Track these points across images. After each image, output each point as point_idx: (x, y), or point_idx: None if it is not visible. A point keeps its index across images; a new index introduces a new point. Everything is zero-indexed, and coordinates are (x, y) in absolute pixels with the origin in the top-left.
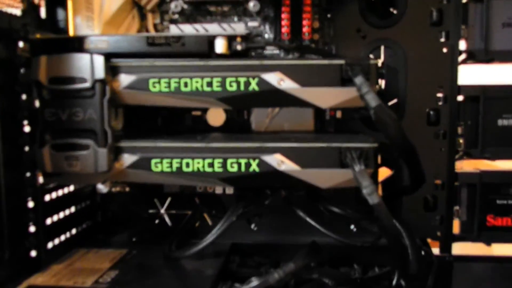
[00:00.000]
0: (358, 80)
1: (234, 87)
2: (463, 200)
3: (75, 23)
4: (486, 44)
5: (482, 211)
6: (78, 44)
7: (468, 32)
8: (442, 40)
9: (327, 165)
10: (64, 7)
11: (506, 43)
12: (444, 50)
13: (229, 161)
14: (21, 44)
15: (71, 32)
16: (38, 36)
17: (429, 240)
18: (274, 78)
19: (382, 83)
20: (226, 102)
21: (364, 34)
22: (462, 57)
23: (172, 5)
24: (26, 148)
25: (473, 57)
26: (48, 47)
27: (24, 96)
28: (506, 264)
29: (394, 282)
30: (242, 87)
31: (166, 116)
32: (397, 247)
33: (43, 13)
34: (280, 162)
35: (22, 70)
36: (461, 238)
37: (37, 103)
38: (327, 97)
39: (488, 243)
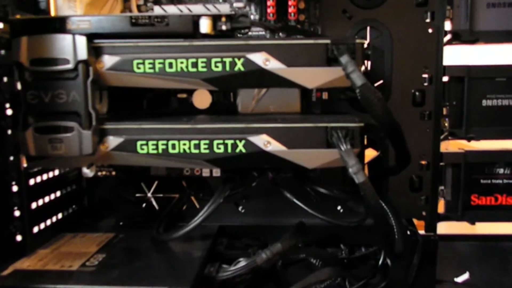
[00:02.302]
0: (344, 59)
1: (219, 68)
2: (448, 180)
3: (57, 4)
4: (471, 25)
5: (467, 190)
6: (59, 25)
7: (453, 12)
8: (428, 20)
9: (313, 145)
10: None
11: (490, 24)
12: (430, 30)
13: (215, 142)
14: (0, 25)
15: (52, 14)
16: (18, 16)
17: (414, 220)
18: (260, 58)
19: (368, 64)
20: (211, 82)
21: (350, 15)
22: (447, 37)
23: None
24: (9, 132)
25: (458, 37)
26: (28, 28)
27: (5, 79)
28: (490, 243)
29: (380, 261)
30: (227, 68)
31: (151, 99)
32: (383, 225)
33: None
34: (266, 142)
35: (2, 52)
36: (446, 217)
37: (18, 86)
38: (313, 77)
39: (472, 222)
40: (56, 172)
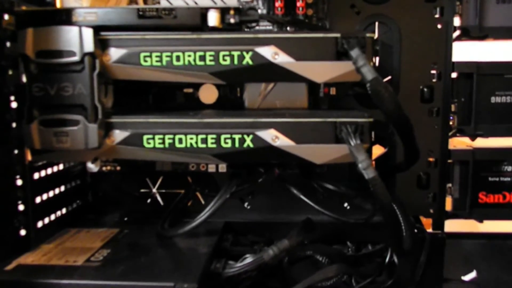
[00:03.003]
0: (354, 52)
1: (227, 61)
2: (456, 178)
3: None
4: (481, 21)
5: (474, 188)
6: (65, 17)
7: (463, 8)
8: (437, 16)
9: (322, 140)
10: None
11: (500, 20)
12: (439, 26)
13: (222, 136)
14: (6, 16)
15: (58, 6)
16: (24, 8)
17: (422, 217)
18: (269, 52)
19: (376, 59)
20: (219, 76)
21: (358, 10)
22: (456, 33)
23: None
24: (13, 125)
25: (467, 33)
26: (34, 19)
27: (10, 71)
28: (497, 241)
29: (387, 259)
30: (235, 61)
31: (157, 94)
32: (392, 221)
33: None
34: (274, 137)
35: (7, 44)
36: (454, 215)
37: (24, 78)
38: (322, 71)
39: (480, 220)
40: (61, 166)
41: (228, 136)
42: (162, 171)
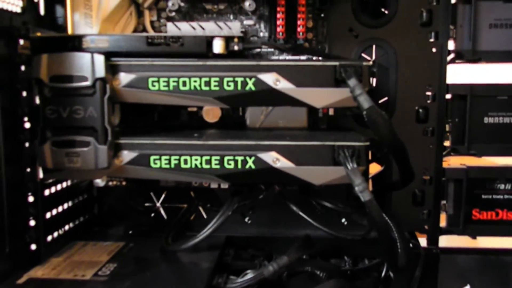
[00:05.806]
0: (352, 82)
1: (231, 87)
2: (450, 195)
3: (74, 20)
4: (474, 44)
5: (468, 205)
6: (78, 43)
7: (457, 32)
8: (432, 40)
9: (320, 162)
10: (63, 4)
11: (493, 44)
12: (433, 49)
13: (226, 158)
14: (21, 42)
15: (69, 29)
16: (38, 34)
17: (417, 233)
18: (270, 79)
19: (373, 81)
20: (223, 101)
21: (356, 34)
22: (450, 56)
23: (169, 3)
24: (27, 144)
25: (461, 56)
26: (48, 45)
27: (24, 93)
28: (490, 256)
29: (383, 273)
30: (239, 87)
31: (162, 112)
32: (387, 241)
33: (41, 10)
34: (275, 159)
35: (22, 68)
36: (448, 231)
37: (37, 100)
38: (321, 97)
39: (473, 236)
40: (69, 182)
41: (231, 157)
42: (166, 186)
